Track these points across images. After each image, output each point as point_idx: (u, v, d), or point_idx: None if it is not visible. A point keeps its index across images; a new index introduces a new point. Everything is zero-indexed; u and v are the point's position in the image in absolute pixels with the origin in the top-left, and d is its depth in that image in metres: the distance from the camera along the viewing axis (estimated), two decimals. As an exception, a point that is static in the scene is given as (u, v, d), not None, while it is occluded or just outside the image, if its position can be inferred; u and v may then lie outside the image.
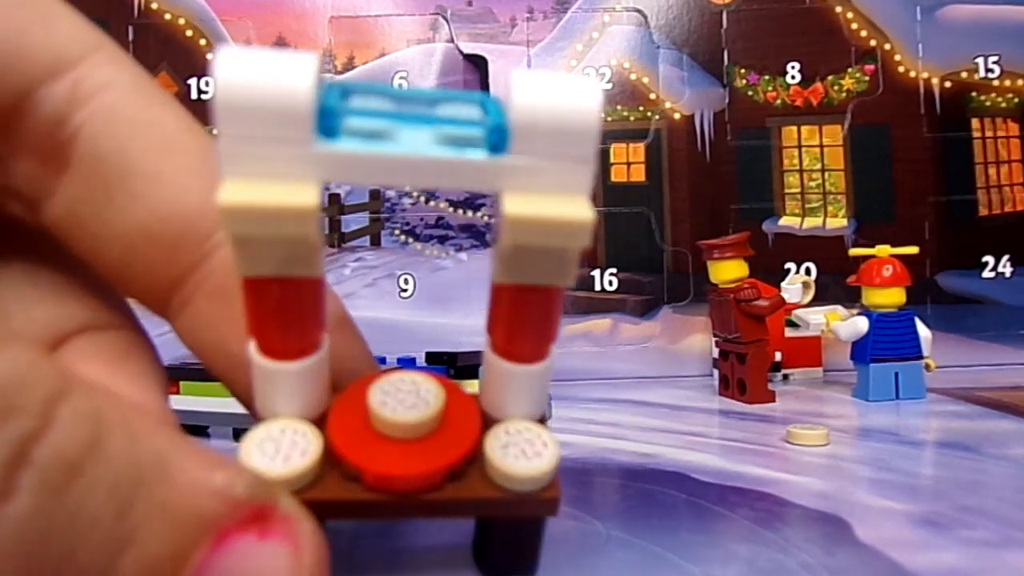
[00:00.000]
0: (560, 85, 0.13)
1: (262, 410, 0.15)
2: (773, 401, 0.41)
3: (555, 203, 0.13)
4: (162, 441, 0.12)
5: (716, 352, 0.45)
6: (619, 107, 0.53)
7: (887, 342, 0.41)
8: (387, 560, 0.21)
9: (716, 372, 0.45)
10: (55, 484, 0.10)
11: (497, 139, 0.13)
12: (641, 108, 0.53)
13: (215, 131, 0.12)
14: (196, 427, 0.37)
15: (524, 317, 0.16)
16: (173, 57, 0.52)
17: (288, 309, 0.14)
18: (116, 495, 0.11)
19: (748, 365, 0.41)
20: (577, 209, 0.13)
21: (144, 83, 0.15)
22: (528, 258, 0.14)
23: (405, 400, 0.15)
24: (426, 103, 0.13)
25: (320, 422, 0.15)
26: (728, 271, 0.41)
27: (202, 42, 0.52)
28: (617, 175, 0.53)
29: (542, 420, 0.18)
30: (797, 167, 0.53)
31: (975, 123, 0.54)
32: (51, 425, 0.10)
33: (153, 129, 0.15)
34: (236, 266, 0.13)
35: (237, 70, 0.12)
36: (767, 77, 0.53)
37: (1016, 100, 0.53)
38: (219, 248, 0.15)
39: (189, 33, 0.52)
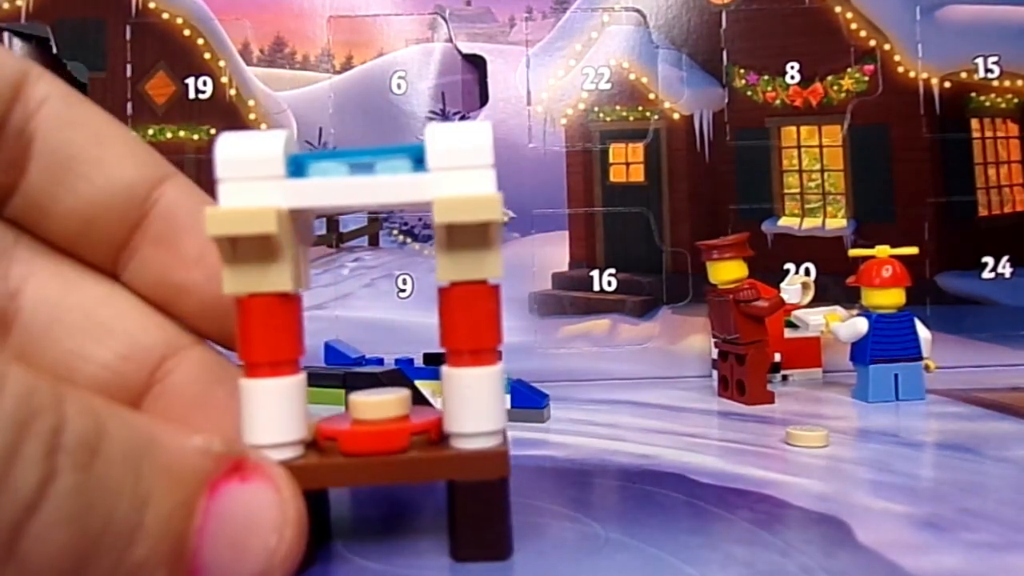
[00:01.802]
0: (461, 126, 0.19)
1: (251, 437, 0.18)
2: (772, 402, 0.41)
3: (469, 191, 0.18)
4: (145, 420, 0.15)
5: (715, 353, 0.45)
6: (618, 107, 0.53)
7: (887, 343, 0.41)
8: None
9: (715, 373, 0.45)
10: (83, 462, 0.13)
11: (419, 162, 0.18)
12: (640, 108, 0.53)
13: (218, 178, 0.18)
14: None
15: (463, 316, 0.19)
16: (170, 57, 0.52)
17: (269, 324, 0.18)
18: (128, 465, 0.13)
19: (747, 366, 0.41)
20: (485, 190, 0.18)
21: (70, 90, 0.19)
22: (459, 245, 0.19)
23: (380, 392, 0.20)
24: (368, 162, 0.18)
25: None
26: (727, 272, 0.41)
27: (200, 42, 0.52)
28: (616, 175, 0.53)
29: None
30: (796, 167, 0.53)
31: (975, 123, 0.53)
32: (66, 418, 0.13)
33: (89, 126, 0.19)
34: (228, 286, 0.18)
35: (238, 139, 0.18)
36: (766, 77, 0.53)
37: (1016, 101, 0.53)
38: (155, 205, 0.19)
39: (187, 33, 0.52)
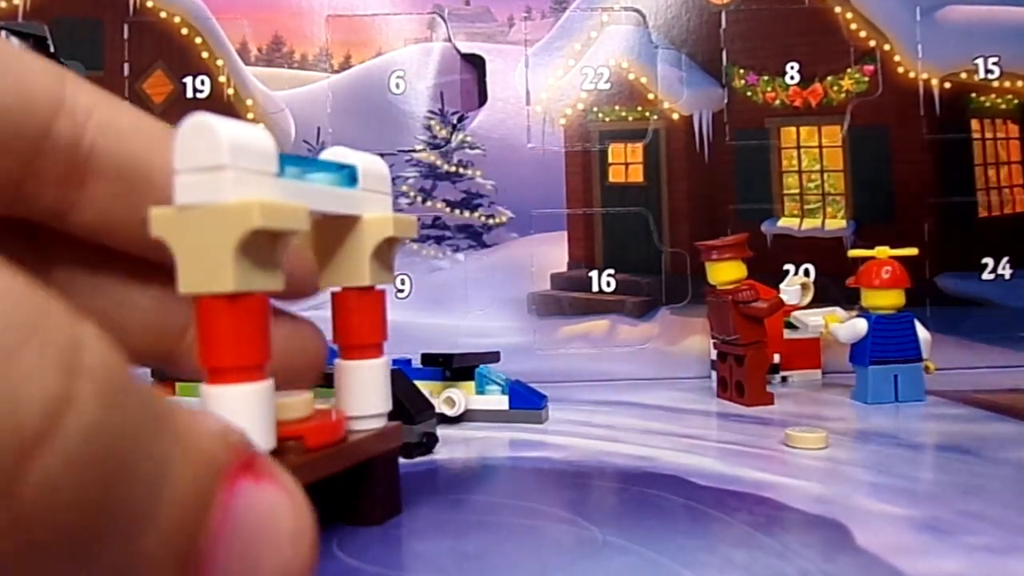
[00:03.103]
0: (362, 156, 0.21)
1: None
2: (771, 403, 0.41)
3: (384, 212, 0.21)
4: (153, 388, 0.12)
5: (714, 354, 0.45)
6: (617, 107, 0.53)
7: (886, 344, 0.40)
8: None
9: (714, 374, 0.45)
10: (109, 399, 0.10)
11: (352, 180, 0.20)
12: (639, 108, 0.53)
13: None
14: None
15: (360, 316, 0.22)
16: (168, 56, 0.52)
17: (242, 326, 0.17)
18: (150, 425, 0.11)
19: (746, 367, 0.41)
20: (398, 214, 0.21)
21: (111, 97, 0.18)
22: (381, 255, 0.21)
23: (286, 396, 0.20)
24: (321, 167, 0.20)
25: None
26: (726, 272, 0.41)
27: (197, 40, 0.52)
28: (615, 175, 0.53)
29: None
30: (796, 168, 0.53)
31: (975, 124, 0.53)
32: (84, 338, 0.10)
33: (143, 131, 0.18)
34: (229, 281, 0.16)
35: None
36: (766, 77, 0.53)
37: (1016, 101, 0.53)
38: None
39: (184, 32, 0.52)
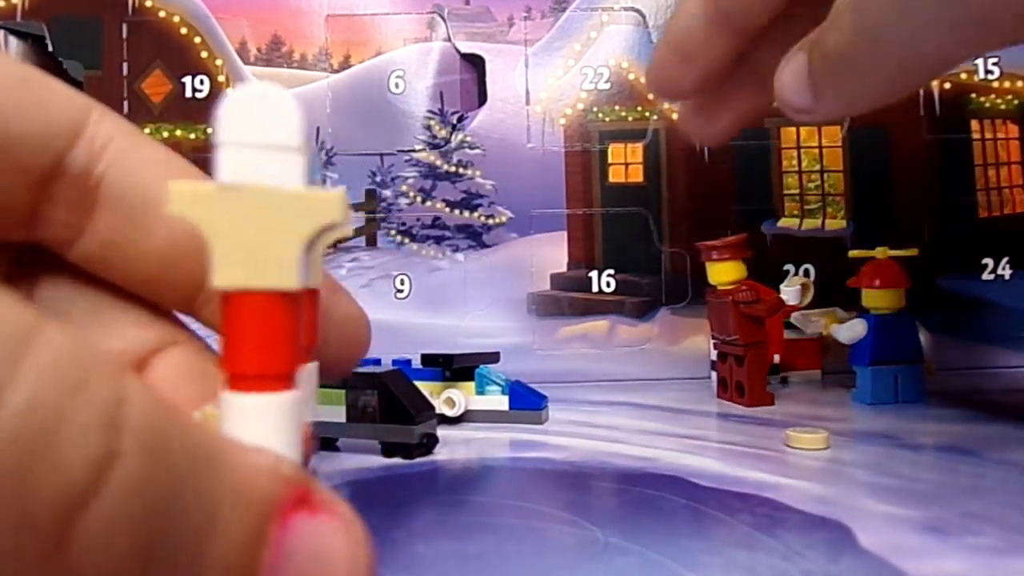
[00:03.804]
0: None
1: None
2: (772, 404, 0.41)
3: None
4: (206, 426, 0.12)
5: (714, 354, 0.44)
6: (617, 107, 0.53)
7: (887, 345, 0.40)
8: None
9: (714, 374, 0.45)
10: (153, 451, 0.10)
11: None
12: (639, 108, 0.53)
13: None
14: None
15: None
16: (167, 55, 0.52)
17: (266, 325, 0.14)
18: (199, 471, 0.11)
19: (747, 367, 0.41)
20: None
21: (134, 129, 0.18)
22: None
23: None
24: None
25: None
26: (726, 272, 0.41)
27: (196, 40, 0.52)
28: (615, 175, 0.53)
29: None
30: (796, 168, 0.53)
31: (975, 125, 0.53)
32: (127, 392, 0.10)
33: (157, 164, 0.18)
34: (226, 277, 0.14)
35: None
36: (766, 77, 0.53)
37: (1016, 102, 0.53)
38: None
39: (184, 31, 0.52)
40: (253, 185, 0.14)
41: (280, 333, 0.14)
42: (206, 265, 0.16)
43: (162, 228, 0.17)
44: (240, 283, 0.14)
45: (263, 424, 0.14)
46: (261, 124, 0.14)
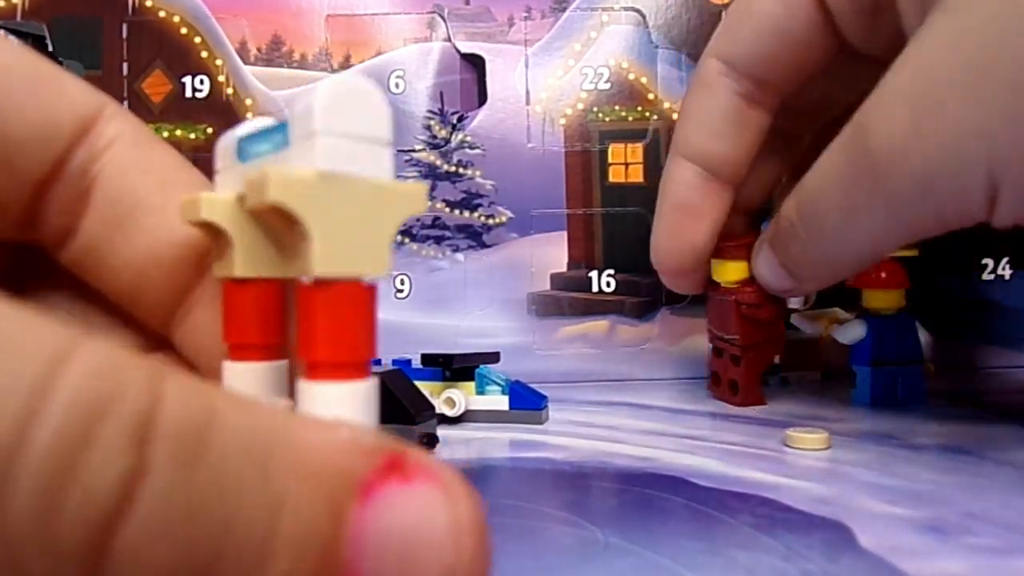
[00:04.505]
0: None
1: None
2: (764, 404, 0.41)
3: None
4: (272, 409, 0.12)
5: (709, 347, 0.44)
6: (617, 107, 0.53)
7: (887, 345, 0.40)
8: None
9: (707, 368, 0.44)
10: (186, 456, 0.10)
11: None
12: (639, 108, 0.53)
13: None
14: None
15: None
16: (167, 55, 0.52)
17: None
18: (251, 461, 0.10)
19: (743, 367, 0.41)
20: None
21: (143, 130, 0.18)
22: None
23: None
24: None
25: None
26: (734, 272, 0.41)
27: (196, 40, 0.52)
28: (615, 175, 0.53)
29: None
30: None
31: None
32: (162, 401, 0.10)
33: (155, 170, 0.17)
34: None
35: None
36: (766, 78, 0.53)
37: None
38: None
39: (184, 31, 0.52)
40: (351, 174, 0.14)
41: (365, 321, 0.14)
42: (184, 279, 0.17)
43: (143, 237, 0.17)
44: (338, 270, 0.13)
45: (344, 412, 0.14)
46: (355, 116, 0.14)
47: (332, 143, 0.14)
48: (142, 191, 0.17)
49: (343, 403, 0.14)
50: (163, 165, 0.17)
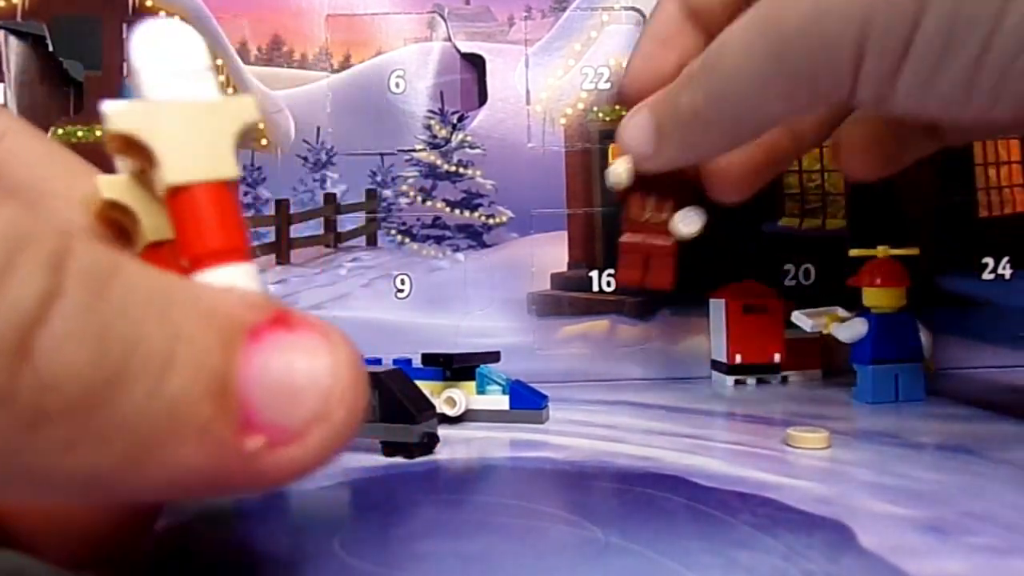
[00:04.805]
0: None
1: None
2: (671, 287, 0.35)
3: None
4: (172, 274, 0.13)
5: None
6: (617, 107, 0.53)
7: (887, 344, 0.40)
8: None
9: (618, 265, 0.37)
10: (94, 288, 0.12)
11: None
12: (639, 108, 0.53)
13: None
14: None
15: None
16: (167, 55, 0.52)
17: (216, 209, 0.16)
18: (152, 304, 0.12)
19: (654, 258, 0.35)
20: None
21: (27, 124, 0.18)
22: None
23: None
24: None
25: None
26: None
27: (197, 40, 0.52)
28: (615, 175, 0.53)
29: None
30: (796, 168, 0.53)
31: (975, 124, 0.53)
32: (72, 248, 0.12)
33: (54, 159, 0.18)
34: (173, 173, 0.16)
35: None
36: (766, 77, 0.53)
37: (1016, 101, 0.53)
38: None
39: (184, 31, 0.52)
40: (181, 99, 0.16)
41: (230, 213, 0.16)
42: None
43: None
44: (189, 177, 0.16)
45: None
46: (171, 53, 0.16)
47: (155, 80, 0.16)
48: (48, 179, 0.18)
49: (231, 281, 0.16)
50: (59, 154, 0.18)
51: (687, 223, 0.35)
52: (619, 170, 0.34)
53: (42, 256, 0.12)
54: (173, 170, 0.16)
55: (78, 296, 0.12)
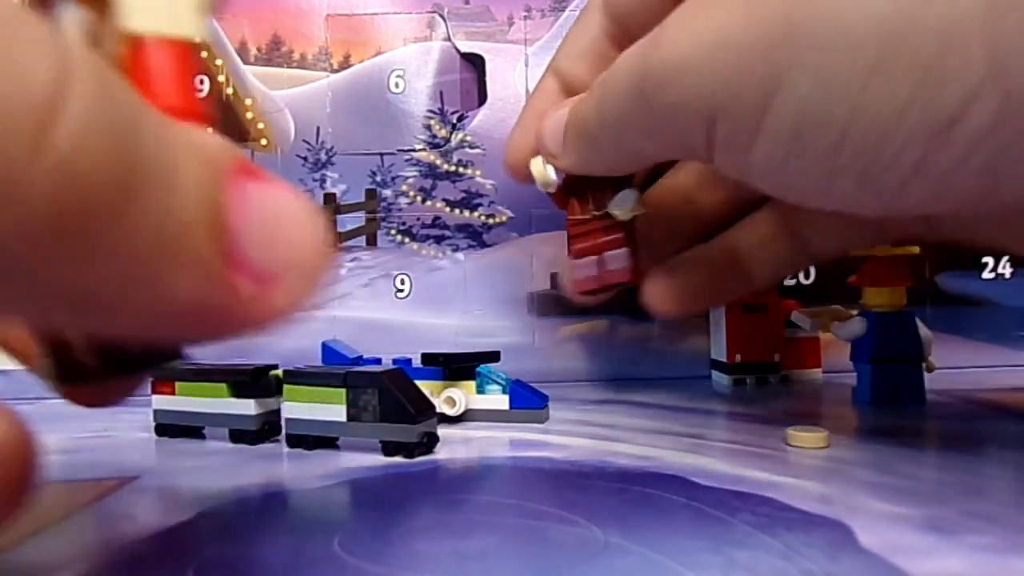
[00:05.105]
0: None
1: None
2: (632, 278, 0.34)
3: None
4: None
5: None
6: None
7: (887, 343, 0.40)
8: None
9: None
10: (104, 80, 0.11)
11: None
12: (639, 107, 0.53)
13: None
14: (191, 427, 0.37)
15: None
16: (167, 55, 0.52)
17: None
18: (153, 121, 0.12)
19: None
20: None
21: None
22: None
23: None
24: None
25: None
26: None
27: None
28: (615, 175, 0.53)
29: None
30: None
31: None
32: (69, 38, 0.12)
33: None
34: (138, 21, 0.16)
35: None
36: (766, 76, 0.53)
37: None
38: None
39: (183, 31, 0.52)
40: None
41: (188, 74, 0.16)
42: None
43: None
44: (152, 27, 0.15)
45: None
46: None
47: None
48: None
49: None
50: None
51: (619, 205, 0.33)
52: (539, 167, 0.33)
53: (44, 33, 0.11)
54: (134, 18, 0.15)
55: (89, 84, 0.11)
